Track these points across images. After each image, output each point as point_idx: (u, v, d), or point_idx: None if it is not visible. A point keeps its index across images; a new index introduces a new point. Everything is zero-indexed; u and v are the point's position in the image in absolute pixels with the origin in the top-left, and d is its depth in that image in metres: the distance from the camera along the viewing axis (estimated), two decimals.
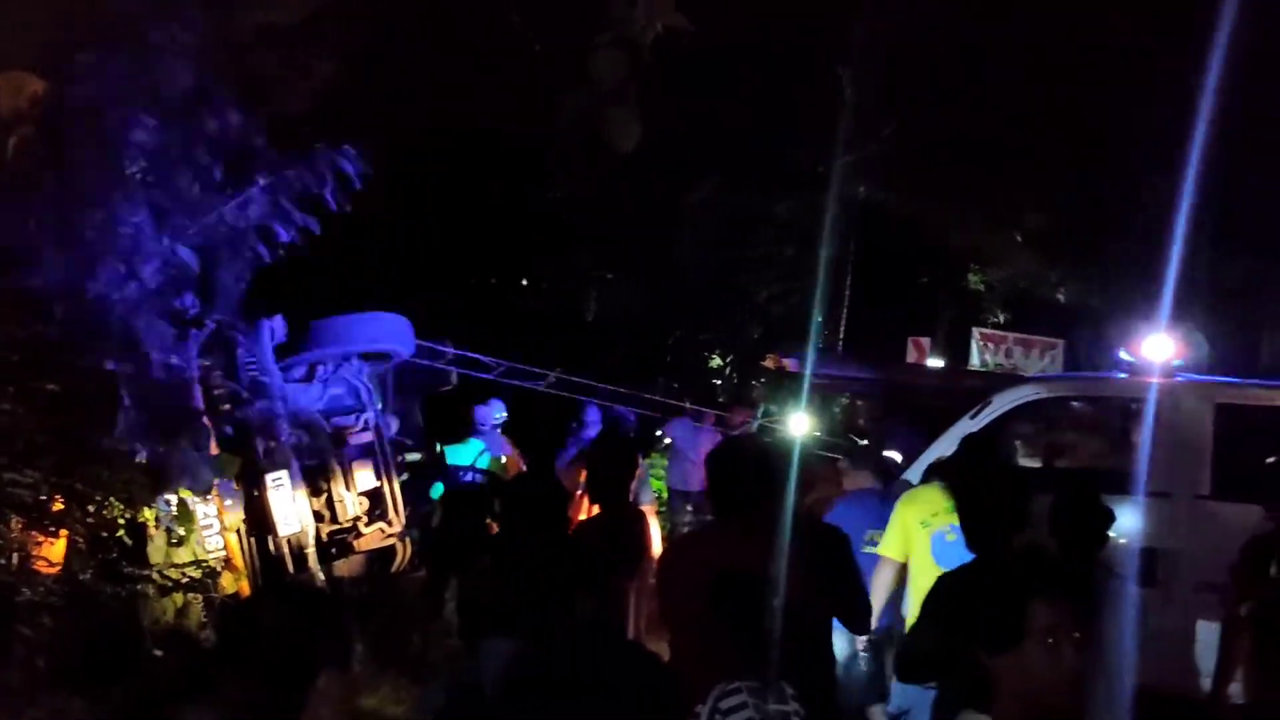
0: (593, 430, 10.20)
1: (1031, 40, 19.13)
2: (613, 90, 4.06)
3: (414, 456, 9.95)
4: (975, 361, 20.67)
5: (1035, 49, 19.19)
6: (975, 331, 21.35)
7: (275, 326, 7.70)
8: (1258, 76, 18.83)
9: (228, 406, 7.26)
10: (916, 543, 5.60)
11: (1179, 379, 6.66)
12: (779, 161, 18.98)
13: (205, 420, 6.95)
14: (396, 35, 7.08)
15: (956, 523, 4.39)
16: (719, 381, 19.51)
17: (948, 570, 4.54)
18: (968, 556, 4.31)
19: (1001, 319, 22.80)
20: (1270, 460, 5.46)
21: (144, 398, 6.37)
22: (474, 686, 2.42)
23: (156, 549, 6.57)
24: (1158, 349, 6.76)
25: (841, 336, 20.68)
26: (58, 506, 5.96)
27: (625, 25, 4.15)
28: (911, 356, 19.57)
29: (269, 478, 7.35)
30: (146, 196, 6.75)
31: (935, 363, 19.39)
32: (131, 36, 5.93)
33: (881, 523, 6.02)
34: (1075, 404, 7.63)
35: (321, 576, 7.60)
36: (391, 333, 8.60)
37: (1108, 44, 19.72)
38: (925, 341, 20.25)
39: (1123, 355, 7.16)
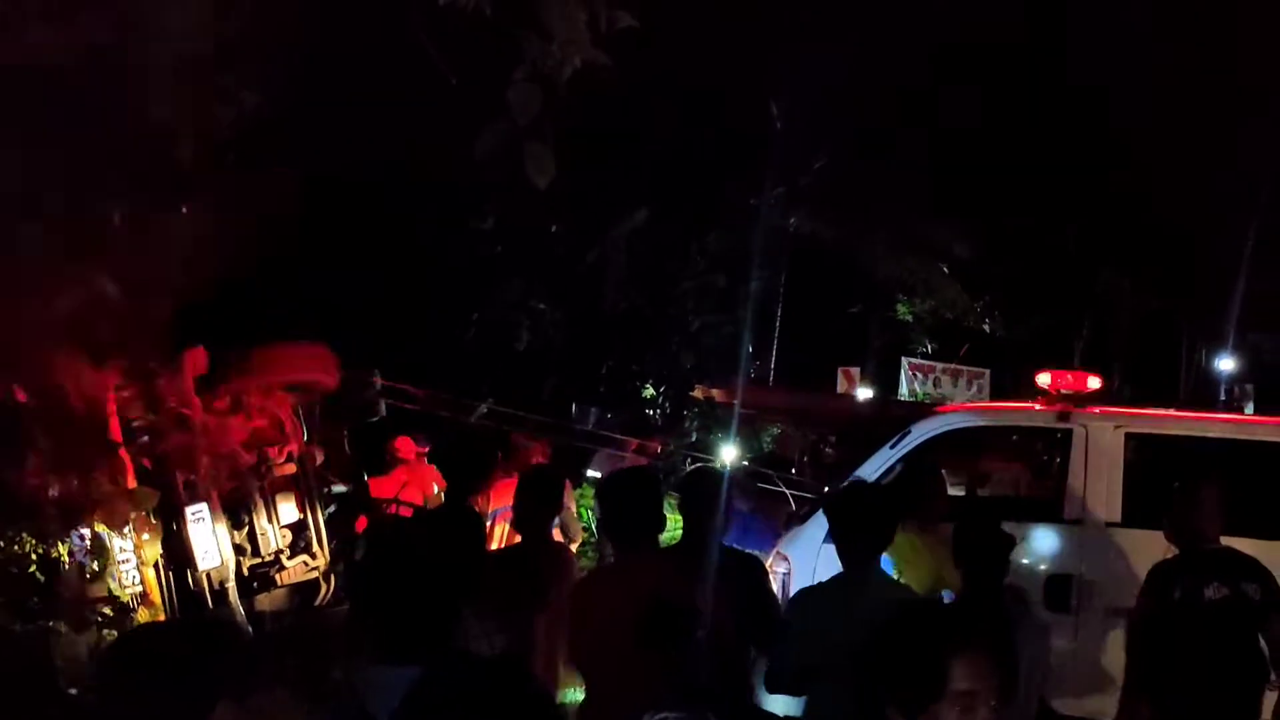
0: None
1: (962, 75, 19.59)
2: (528, 125, 4.10)
3: (340, 489, 9.86)
4: (904, 391, 20.98)
5: (966, 84, 19.65)
6: (905, 361, 21.69)
7: (197, 357, 7.60)
8: (1171, 112, 19.44)
9: (146, 439, 7.15)
10: None
11: (1092, 409, 6.81)
12: (711, 192, 19.17)
13: (122, 453, 6.85)
14: (318, 65, 7.06)
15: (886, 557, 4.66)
16: (652, 412, 19.56)
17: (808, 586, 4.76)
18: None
19: (930, 348, 23.18)
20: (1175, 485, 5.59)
21: (58, 430, 6.27)
22: (361, 713, 2.42)
23: (69, 584, 6.45)
24: (1071, 379, 6.92)
25: (773, 366, 20.87)
26: None
27: (541, 61, 4.19)
28: (841, 386, 19.80)
29: (189, 511, 7.25)
30: (64, 223, 6.65)
31: (865, 392, 19.64)
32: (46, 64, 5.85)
33: (741, 540, 6.25)
34: (993, 434, 7.77)
35: (241, 611, 7.49)
36: (315, 363, 8.53)
37: (1034, 83, 20.25)
38: (855, 371, 20.50)
39: (1039, 385, 7.30)
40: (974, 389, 20.88)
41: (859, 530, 4.33)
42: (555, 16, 4.15)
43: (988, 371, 21.14)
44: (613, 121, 15.01)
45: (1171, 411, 7.22)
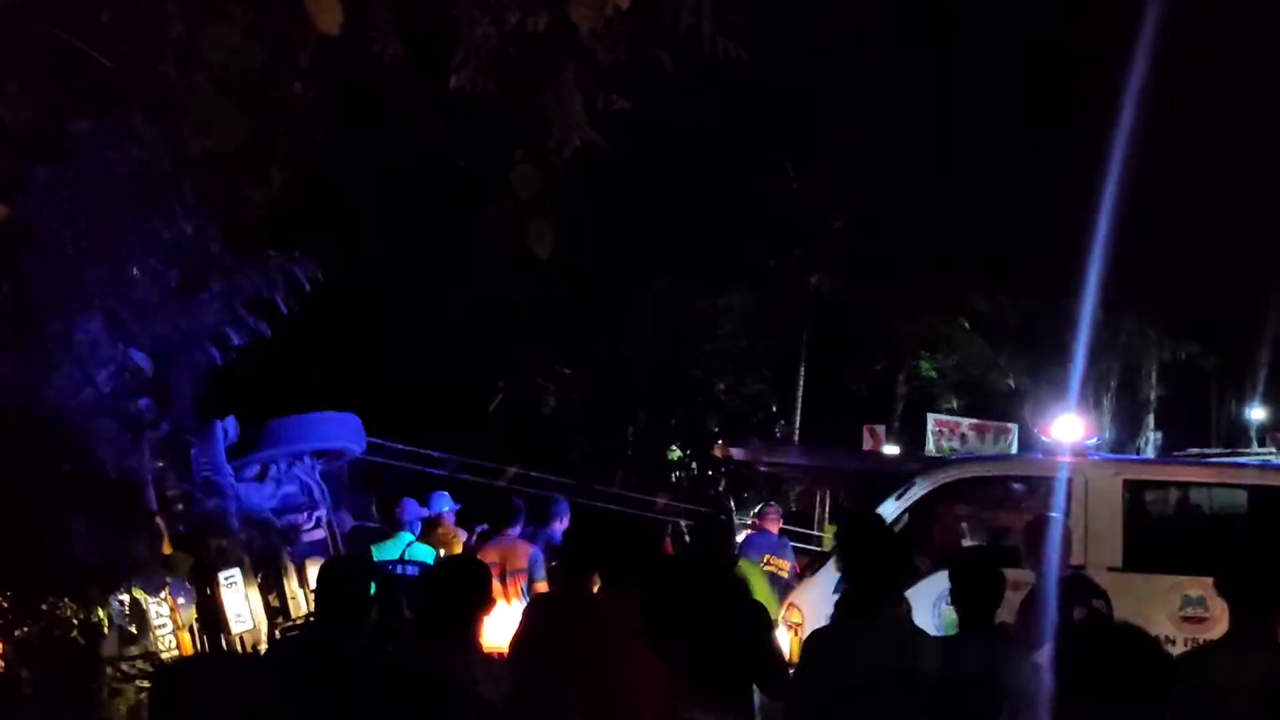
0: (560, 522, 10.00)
1: (975, 131, 19.88)
2: (530, 201, 4.40)
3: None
4: (931, 447, 21.00)
5: (979, 139, 19.93)
6: (930, 418, 21.76)
7: (228, 426, 7.91)
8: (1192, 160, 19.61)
9: (181, 506, 7.43)
10: None
11: (1091, 457, 6.99)
12: (731, 256, 19.50)
13: (158, 520, 7.13)
14: (343, 148, 7.43)
15: None
16: (679, 473, 19.75)
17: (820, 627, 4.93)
18: None
19: (955, 405, 23.26)
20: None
21: (98, 499, 6.55)
22: None
23: (109, 647, 6.70)
24: (1068, 429, 7.10)
25: (798, 424, 21.01)
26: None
27: (540, 142, 4.52)
28: (867, 444, 19.89)
29: (221, 575, 7.49)
30: (102, 304, 6.99)
31: (891, 449, 19.73)
32: (85, 154, 6.25)
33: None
34: (997, 483, 7.94)
35: None
36: (343, 431, 8.83)
37: (1050, 134, 20.48)
38: (880, 429, 20.60)
39: (1043, 436, 7.49)
40: (1001, 444, 20.92)
41: (869, 562, 4.42)
42: (552, 101, 4.48)
43: (1014, 426, 21.17)
44: (630, 192, 15.40)
45: (1166, 459, 7.40)
